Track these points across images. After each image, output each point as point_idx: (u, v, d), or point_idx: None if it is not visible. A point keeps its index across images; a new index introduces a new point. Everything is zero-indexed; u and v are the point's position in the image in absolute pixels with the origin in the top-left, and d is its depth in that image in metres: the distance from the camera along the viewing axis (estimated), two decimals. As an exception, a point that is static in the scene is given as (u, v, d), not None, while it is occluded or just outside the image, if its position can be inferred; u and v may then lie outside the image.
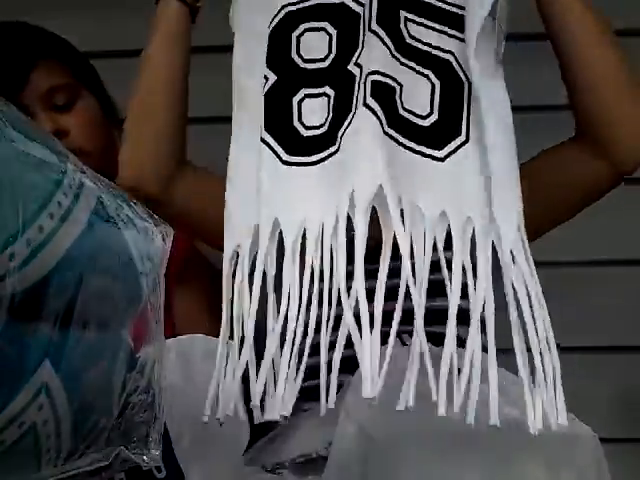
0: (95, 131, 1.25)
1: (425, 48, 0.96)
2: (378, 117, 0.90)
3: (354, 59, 0.95)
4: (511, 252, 0.87)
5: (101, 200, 0.73)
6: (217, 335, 1.04)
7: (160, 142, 1.12)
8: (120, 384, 0.75)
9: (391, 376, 0.83)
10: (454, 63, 0.95)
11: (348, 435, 0.95)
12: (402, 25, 0.96)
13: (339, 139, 0.91)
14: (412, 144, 0.91)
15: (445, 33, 0.97)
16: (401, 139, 0.91)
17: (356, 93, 0.92)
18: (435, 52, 0.96)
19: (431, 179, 0.90)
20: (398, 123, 0.91)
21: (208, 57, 1.48)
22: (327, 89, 0.95)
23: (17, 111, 0.71)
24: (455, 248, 0.86)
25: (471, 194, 0.89)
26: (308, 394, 1.04)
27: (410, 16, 0.97)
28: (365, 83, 0.92)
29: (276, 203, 0.91)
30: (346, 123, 0.91)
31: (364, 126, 0.90)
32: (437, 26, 0.97)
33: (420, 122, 0.92)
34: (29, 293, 0.63)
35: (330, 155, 0.91)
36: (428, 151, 0.91)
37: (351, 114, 0.91)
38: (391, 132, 0.90)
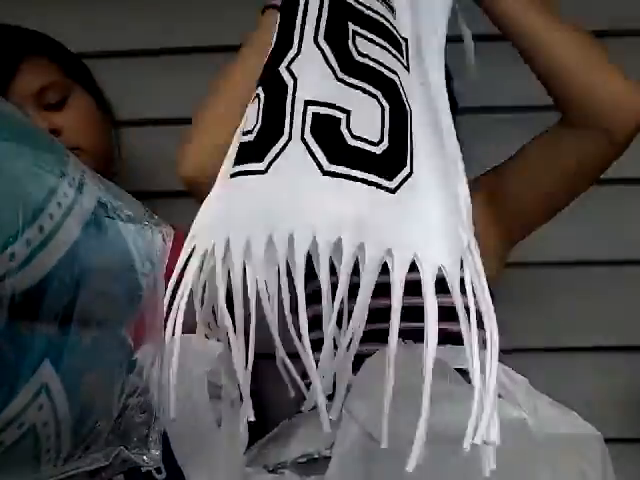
0: (90, 128, 1.24)
1: (374, 65, 0.90)
2: (316, 159, 0.84)
3: (286, 61, 0.88)
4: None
5: (101, 200, 0.73)
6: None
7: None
8: (120, 384, 0.75)
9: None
10: (399, 85, 0.90)
11: (351, 435, 0.95)
12: (350, 41, 0.90)
13: (266, 162, 0.85)
14: (364, 174, 0.85)
15: (390, 52, 0.92)
16: (352, 172, 0.84)
17: (289, 114, 0.85)
18: (384, 71, 0.90)
19: (381, 212, 0.84)
20: (347, 156, 0.85)
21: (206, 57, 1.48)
22: (260, 90, 0.90)
23: (17, 110, 0.71)
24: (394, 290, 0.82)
25: (416, 230, 0.84)
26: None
27: (360, 30, 0.91)
28: (304, 114, 0.85)
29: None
30: (277, 148, 0.85)
31: (299, 167, 0.84)
32: (384, 43, 0.92)
33: (372, 149, 0.86)
34: (29, 293, 0.63)
35: (255, 172, 0.85)
36: (379, 181, 0.85)
37: (283, 140, 0.85)
38: (335, 169, 0.84)
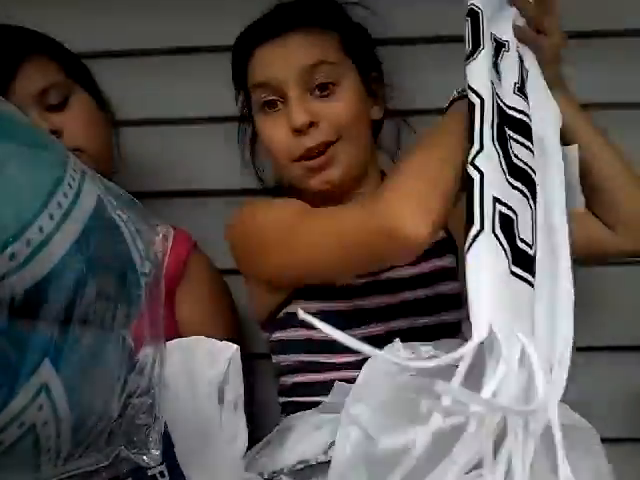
0: (90, 129, 1.22)
1: (524, 167, 0.93)
2: (507, 257, 0.86)
3: (470, 156, 0.90)
4: None
5: (101, 200, 0.73)
6: (219, 335, 1.04)
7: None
8: (120, 384, 0.75)
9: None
10: (537, 185, 0.94)
11: (351, 439, 0.94)
12: (509, 144, 0.93)
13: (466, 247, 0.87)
14: (528, 276, 0.88)
15: (531, 151, 0.95)
16: (524, 274, 0.87)
17: (478, 205, 0.86)
18: (530, 172, 0.94)
19: (529, 308, 0.88)
20: (519, 258, 0.87)
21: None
22: None
23: (17, 110, 0.71)
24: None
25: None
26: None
27: (513, 134, 0.95)
28: (494, 209, 0.87)
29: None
30: (469, 236, 0.86)
31: (492, 258, 0.85)
32: (527, 143, 0.96)
33: (530, 251, 0.89)
34: (29, 293, 0.63)
35: None
36: (532, 280, 0.89)
37: (475, 229, 0.85)
38: (515, 270, 0.87)
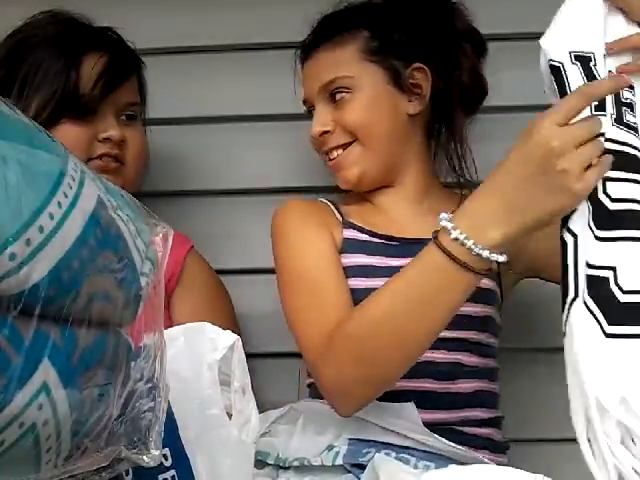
0: (145, 148, 1.34)
1: (630, 206, 0.89)
2: (598, 321, 0.84)
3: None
4: None
5: (101, 200, 0.73)
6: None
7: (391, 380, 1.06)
8: (120, 384, 0.75)
9: None
10: None
11: None
12: (601, 190, 0.89)
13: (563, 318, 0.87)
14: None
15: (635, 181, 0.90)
16: (631, 329, 0.84)
17: (572, 273, 0.86)
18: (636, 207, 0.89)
19: None
20: (622, 314, 0.84)
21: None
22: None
23: (18, 112, 0.71)
24: None
25: None
26: None
27: (610, 174, 0.90)
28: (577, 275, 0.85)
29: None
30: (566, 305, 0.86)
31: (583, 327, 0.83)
32: (635, 177, 0.91)
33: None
34: (29, 293, 0.63)
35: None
36: None
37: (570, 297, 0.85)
38: (614, 330, 0.84)
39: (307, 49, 1.30)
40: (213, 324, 1.00)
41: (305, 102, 1.30)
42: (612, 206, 0.89)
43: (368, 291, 1.06)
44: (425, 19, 1.27)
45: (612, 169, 0.91)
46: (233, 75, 1.48)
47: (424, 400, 1.12)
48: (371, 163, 1.22)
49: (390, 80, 1.23)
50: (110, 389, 0.74)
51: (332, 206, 1.26)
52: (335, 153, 1.24)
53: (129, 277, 0.75)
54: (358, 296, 1.10)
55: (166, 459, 0.89)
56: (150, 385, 0.79)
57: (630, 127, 0.94)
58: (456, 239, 0.93)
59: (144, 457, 0.78)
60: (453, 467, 0.94)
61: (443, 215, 0.96)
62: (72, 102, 1.21)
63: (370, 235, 1.21)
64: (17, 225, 0.62)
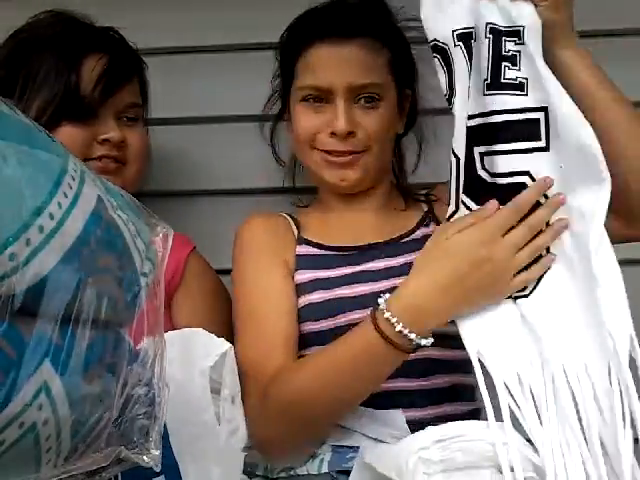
0: (146, 149, 1.34)
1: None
2: None
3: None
4: None
5: (101, 200, 0.73)
6: (217, 335, 1.04)
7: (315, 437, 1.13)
8: (120, 384, 0.75)
9: None
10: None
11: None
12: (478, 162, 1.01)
13: None
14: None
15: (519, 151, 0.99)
16: None
17: None
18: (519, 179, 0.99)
19: None
20: None
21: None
22: None
23: (19, 112, 0.71)
24: None
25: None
26: None
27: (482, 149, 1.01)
28: None
29: None
30: None
31: None
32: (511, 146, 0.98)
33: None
34: (29, 293, 0.63)
35: None
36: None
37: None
38: None
39: (333, 32, 1.22)
40: (209, 329, 1.01)
41: (316, 89, 1.22)
42: (491, 180, 0.99)
43: (331, 302, 1.15)
44: (407, 46, 1.31)
45: (481, 144, 0.99)
46: (233, 75, 1.48)
47: (399, 399, 1.14)
48: (372, 172, 1.24)
49: (397, 100, 1.27)
50: (110, 389, 0.74)
51: (291, 221, 1.27)
52: (347, 155, 1.22)
53: (129, 277, 0.75)
54: (321, 309, 1.16)
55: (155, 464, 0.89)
56: (150, 385, 0.79)
57: (508, 86, 0.97)
58: (388, 320, 1.00)
59: (144, 457, 0.78)
60: (430, 428, 0.96)
61: (385, 296, 1.02)
62: (72, 105, 1.21)
63: (323, 249, 1.23)
64: (17, 225, 0.63)
